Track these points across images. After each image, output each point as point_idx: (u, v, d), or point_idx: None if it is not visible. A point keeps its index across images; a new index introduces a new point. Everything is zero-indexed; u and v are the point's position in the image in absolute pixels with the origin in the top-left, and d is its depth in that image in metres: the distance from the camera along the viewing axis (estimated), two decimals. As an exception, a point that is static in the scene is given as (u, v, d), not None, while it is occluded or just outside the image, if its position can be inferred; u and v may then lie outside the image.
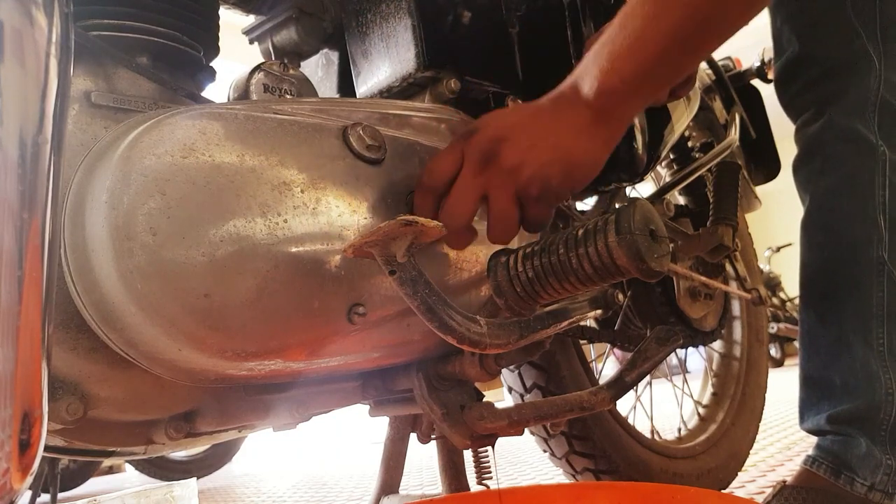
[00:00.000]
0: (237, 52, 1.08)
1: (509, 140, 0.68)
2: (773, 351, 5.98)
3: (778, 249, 6.23)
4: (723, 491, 1.32)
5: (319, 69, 1.04)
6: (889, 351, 0.95)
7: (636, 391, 1.32)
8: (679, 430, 1.42)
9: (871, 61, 1.00)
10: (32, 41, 0.37)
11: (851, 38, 1.01)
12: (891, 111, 1.01)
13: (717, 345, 1.51)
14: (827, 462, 0.97)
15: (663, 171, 1.44)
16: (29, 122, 0.37)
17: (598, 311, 0.73)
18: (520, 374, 1.18)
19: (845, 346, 0.97)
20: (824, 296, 1.02)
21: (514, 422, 0.74)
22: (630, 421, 1.27)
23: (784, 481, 0.97)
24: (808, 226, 1.06)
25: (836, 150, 1.02)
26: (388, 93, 0.89)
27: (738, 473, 1.41)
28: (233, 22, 0.98)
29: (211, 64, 0.80)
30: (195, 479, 0.93)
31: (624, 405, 1.18)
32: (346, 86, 0.99)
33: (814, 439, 1.04)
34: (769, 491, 0.97)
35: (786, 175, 1.28)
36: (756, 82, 1.44)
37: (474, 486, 0.86)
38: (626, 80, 0.68)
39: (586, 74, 0.70)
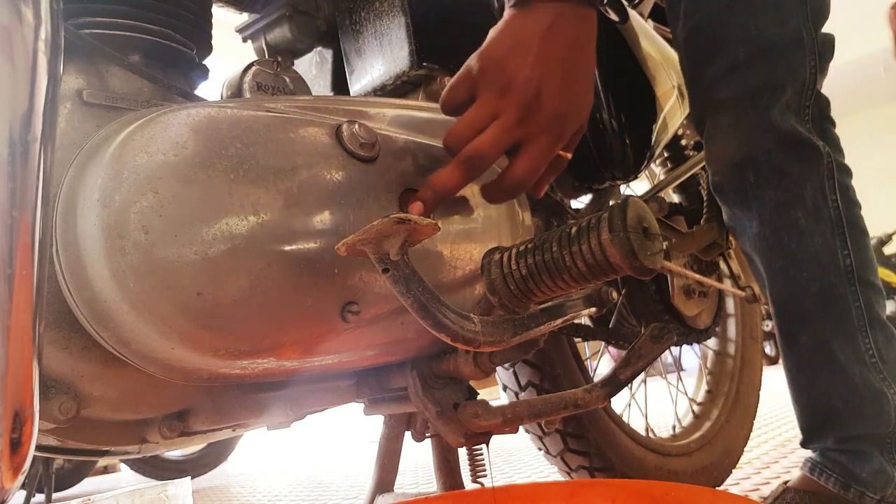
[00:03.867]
0: (230, 50, 1.07)
1: (545, 85, 0.67)
2: (768, 348, 6.00)
3: (772, 247, 6.23)
4: (717, 488, 1.32)
5: (313, 67, 1.03)
6: (881, 359, 0.90)
7: (631, 389, 1.32)
8: (674, 427, 1.43)
9: (804, 45, 0.88)
10: (21, 38, 0.37)
11: (785, 15, 0.87)
12: (820, 105, 0.91)
13: (712, 342, 1.52)
14: (836, 475, 0.91)
15: (657, 170, 1.44)
16: (18, 120, 0.37)
17: (593, 309, 0.73)
18: (514, 372, 1.18)
19: (839, 369, 0.90)
20: (802, 321, 0.93)
21: (508, 420, 0.74)
22: (625, 418, 1.27)
23: (786, 483, 0.96)
24: (764, 251, 0.93)
25: (778, 159, 0.89)
26: (382, 91, 0.89)
27: (733, 470, 1.41)
28: (226, 20, 0.98)
29: (204, 62, 0.80)
30: (190, 478, 0.93)
31: (618, 403, 1.19)
32: (339, 84, 0.99)
33: None
34: (765, 489, 0.96)
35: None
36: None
37: (469, 485, 0.86)
38: None
39: None
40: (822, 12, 0.90)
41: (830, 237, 0.89)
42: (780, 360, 0.96)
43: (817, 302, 0.91)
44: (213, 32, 0.80)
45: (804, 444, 0.98)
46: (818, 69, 0.88)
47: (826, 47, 0.90)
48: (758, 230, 0.92)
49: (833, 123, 0.93)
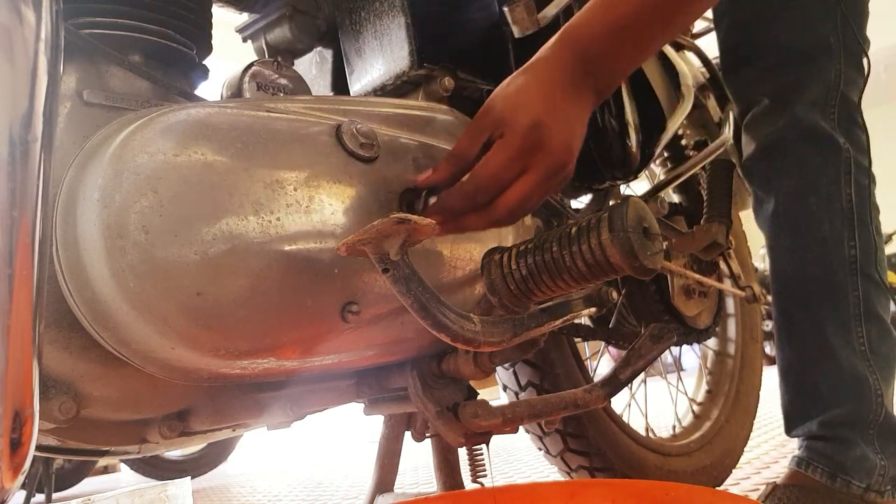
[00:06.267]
0: (230, 50, 1.07)
1: (548, 128, 0.67)
2: (768, 348, 5.99)
3: (772, 247, 6.22)
4: (717, 488, 1.32)
5: (313, 67, 1.03)
6: (871, 349, 0.94)
7: (630, 389, 1.32)
8: (674, 427, 1.43)
9: (831, 52, 0.97)
10: (21, 38, 0.37)
11: (815, 25, 0.97)
12: (848, 106, 0.98)
13: (712, 342, 1.51)
14: (822, 465, 0.95)
15: (657, 170, 1.44)
16: (18, 120, 0.37)
17: (593, 309, 0.73)
18: (514, 372, 1.18)
19: (829, 352, 0.95)
20: (801, 301, 0.99)
21: (508, 420, 0.74)
22: (625, 418, 1.27)
23: (774, 483, 0.97)
24: (774, 229, 1.02)
25: (800, 149, 0.98)
26: (382, 91, 0.89)
27: (733, 470, 1.41)
28: (226, 20, 0.98)
29: (204, 62, 0.80)
30: (190, 478, 0.93)
31: (618, 403, 1.19)
32: (339, 84, 0.99)
33: None
34: (762, 489, 0.97)
35: (780, 173, 1.28)
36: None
37: (469, 485, 0.86)
38: (597, 38, 0.69)
39: (565, 37, 0.71)
40: (856, 14, 0.98)
41: (840, 227, 0.95)
42: (774, 339, 1.03)
43: (818, 284, 0.97)
44: (213, 32, 0.80)
45: (789, 431, 1.01)
46: (843, 72, 0.97)
47: (857, 54, 0.99)
48: (772, 210, 1.01)
49: (863, 129, 1.00)
